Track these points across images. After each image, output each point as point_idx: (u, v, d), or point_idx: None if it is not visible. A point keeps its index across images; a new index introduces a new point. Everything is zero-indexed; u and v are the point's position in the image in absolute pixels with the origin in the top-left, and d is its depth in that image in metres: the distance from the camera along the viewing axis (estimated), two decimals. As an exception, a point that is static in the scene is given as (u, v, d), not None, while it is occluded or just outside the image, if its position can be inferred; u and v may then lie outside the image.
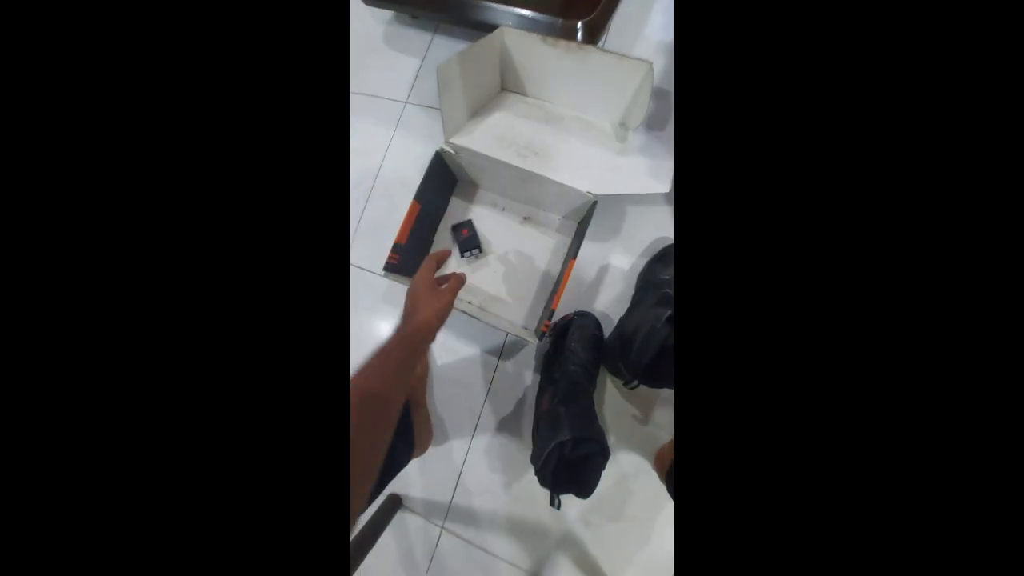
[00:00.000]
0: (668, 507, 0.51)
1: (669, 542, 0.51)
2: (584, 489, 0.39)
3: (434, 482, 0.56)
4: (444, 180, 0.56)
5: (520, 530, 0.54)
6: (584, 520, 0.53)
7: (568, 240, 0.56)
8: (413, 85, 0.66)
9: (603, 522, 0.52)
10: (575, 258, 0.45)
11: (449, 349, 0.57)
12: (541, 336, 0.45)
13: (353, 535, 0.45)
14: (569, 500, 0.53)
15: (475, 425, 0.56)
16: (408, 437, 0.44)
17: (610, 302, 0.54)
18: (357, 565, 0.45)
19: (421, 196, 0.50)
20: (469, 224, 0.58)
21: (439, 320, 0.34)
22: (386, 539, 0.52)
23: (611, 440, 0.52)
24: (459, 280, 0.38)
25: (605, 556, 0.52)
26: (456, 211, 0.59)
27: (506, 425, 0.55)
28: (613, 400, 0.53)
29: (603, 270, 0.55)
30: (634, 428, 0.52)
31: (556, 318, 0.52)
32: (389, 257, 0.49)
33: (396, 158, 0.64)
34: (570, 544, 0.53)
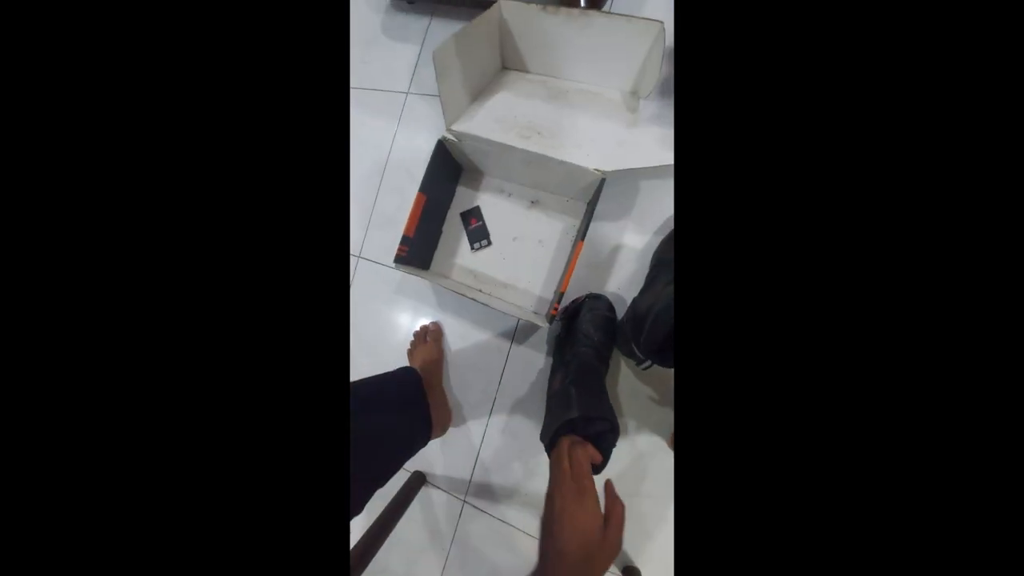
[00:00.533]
0: None
1: None
2: (596, 466, 0.40)
3: (455, 460, 0.59)
4: (448, 169, 0.56)
5: (537, 502, 0.56)
6: (602, 493, 0.54)
7: (577, 222, 0.54)
8: (413, 74, 0.65)
9: (620, 493, 0.53)
10: (583, 239, 0.44)
11: (463, 335, 0.59)
12: (551, 320, 0.45)
13: (380, 511, 0.49)
14: None
15: (491, 407, 0.58)
16: (426, 419, 0.46)
17: (623, 283, 0.53)
18: (387, 534, 0.49)
19: (426, 187, 0.50)
20: (477, 212, 0.58)
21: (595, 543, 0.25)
22: (413, 511, 0.57)
23: (627, 421, 0.53)
24: (587, 455, 0.31)
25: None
26: (463, 199, 0.59)
27: (520, 406, 0.57)
28: (628, 382, 0.53)
29: (615, 250, 0.53)
30: (650, 408, 0.52)
31: (566, 301, 0.51)
32: (399, 250, 0.50)
33: (402, 150, 0.65)
34: None
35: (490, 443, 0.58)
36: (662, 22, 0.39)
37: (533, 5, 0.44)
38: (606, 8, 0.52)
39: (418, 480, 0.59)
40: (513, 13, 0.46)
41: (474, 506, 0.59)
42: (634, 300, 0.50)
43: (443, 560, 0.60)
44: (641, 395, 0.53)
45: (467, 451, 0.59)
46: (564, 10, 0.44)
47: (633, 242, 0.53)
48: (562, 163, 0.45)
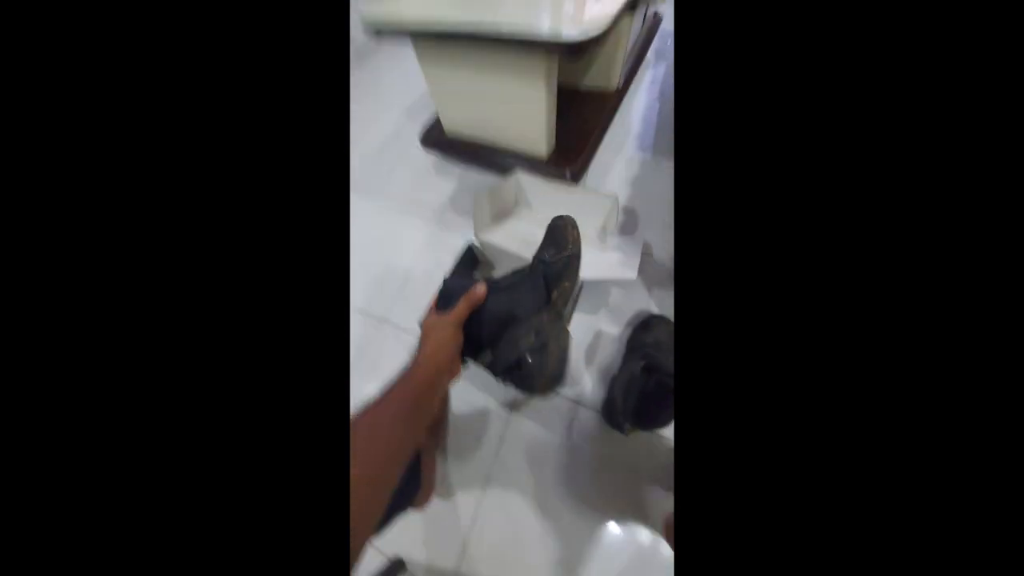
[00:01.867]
0: None
1: None
2: (658, 421, 0.38)
3: (439, 542, 0.53)
4: (470, 265, 0.74)
5: None
6: None
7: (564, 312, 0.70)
8: (451, 200, 0.90)
9: None
10: (567, 324, 0.59)
11: (454, 402, 0.62)
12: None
13: None
14: (579, 560, 0.51)
15: (484, 482, 0.56)
16: (417, 479, 0.39)
17: (604, 363, 0.64)
18: None
19: (451, 275, 0.67)
20: (467, 257, 0.73)
21: (449, 348, 0.30)
22: None
23: (623, 502, 0.52)
24: (467, 298, 0.33)
25: None
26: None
27: (517, 482, 0.55)
28: (618, 454, 0.55)
29: (597, 336, 0.67)
30: (645, 488, 0.53)
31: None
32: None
33: (433, 252, 0.82)
34: None
35: (481, 531, 0.54)
36: (616, 195, 0.67)
37: (538, 176, 0.73)
38: (581, 183, 0.84)
39: (396, 569, 0.52)
40: (526, 179, 0.75)
41: None
42: (612, 379, 0.60)
43: None
44: (636, 468, 0.53)
45: (453, 532, 0.54)
46: (555, 182, 0.71)
47: (609, 330, 0.67)
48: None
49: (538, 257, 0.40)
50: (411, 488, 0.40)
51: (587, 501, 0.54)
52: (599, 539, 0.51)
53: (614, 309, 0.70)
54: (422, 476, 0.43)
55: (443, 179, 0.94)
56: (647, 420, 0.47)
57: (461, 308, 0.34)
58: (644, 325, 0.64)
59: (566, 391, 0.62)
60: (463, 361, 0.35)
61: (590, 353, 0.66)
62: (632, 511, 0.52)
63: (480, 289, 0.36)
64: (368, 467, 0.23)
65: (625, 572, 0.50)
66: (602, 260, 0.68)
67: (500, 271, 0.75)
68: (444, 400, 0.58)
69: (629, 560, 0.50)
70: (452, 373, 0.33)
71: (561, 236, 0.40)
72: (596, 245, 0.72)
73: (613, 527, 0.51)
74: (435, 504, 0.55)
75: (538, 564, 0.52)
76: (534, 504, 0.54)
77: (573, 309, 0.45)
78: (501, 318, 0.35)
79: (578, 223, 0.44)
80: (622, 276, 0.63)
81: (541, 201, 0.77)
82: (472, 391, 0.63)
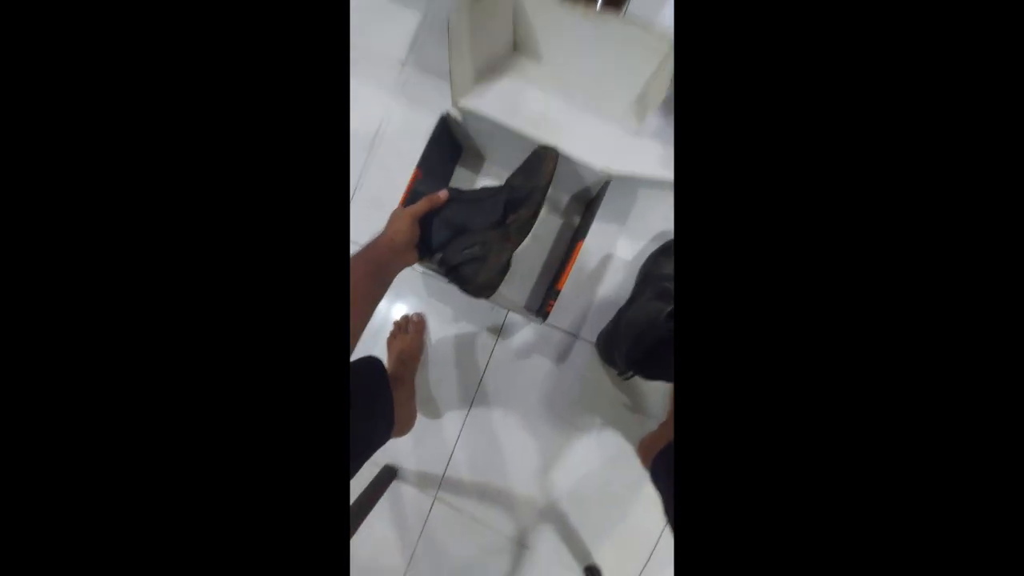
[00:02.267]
0: (647, 489, 0.54)
1: (646, 520, 0.55)
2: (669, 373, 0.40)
3: (427, 456, 0.57)
4: (448, 149, 0.53)
5: (509, 502, 0.56)
6: (570, 496, 0.55)
7: (575, 220, 0.54)
8: (413, 44, 0.60)
9: (587, 498, 0.55)
10: (583, 239, 0.44)
11: (445, 327, 0.57)
12: (545, 317, 0.44)
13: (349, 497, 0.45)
14: (557, 472, 0.55)
15: (470, 403, 0.56)
16: (386, 417, 0.42)
17: (610, 292, 0.54)
18: (353, 533, 0.45)
19: (424, 164, 0.47)
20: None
21: (405, 235, 0.36)
22: (381, 506, 0.54)
23: (600, 425, 0.54)
24: (430, 199, 0.38)
25: (585, 528, 0.56)
26: (459, 183, 0.57)
27: (502, 407, 0.56)
28: (605, 388, 0.54)
29: (606, 259, 0.54)
30: (624, 416, 0.54)
31: (565, 303, 0.51)
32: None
33: (395, 127, 0.60)
34: (555, 516, 0.56)
35: (466, 443, 0.56)
36: (671, 37, 0.40)
37: (552, -6, 0.43)
38: (622, 12, 0.53)
39: (388, 475, 0.56)
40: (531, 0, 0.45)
41: (444, 502, 0.57)
42: (620, 310, 0.51)
43: (410, 553, 0.58)
44: (617, 402, 0.54)
45: (440, 449, 0.57)
46: (582, 5, 0.43)
47: (623, 252, 0.54)
48: (571, 159, 0.44)
49: (508, 180, 0.42)
50: (382, 425, 0.41)
51: (567, 422, 0.55)
52: (573, 450, 0.55)
53: (636, 221, 0.54)
54: (395, 408, 0.43)
55: (396, 7, 0.60)
56: (655, 370, 0.40)
57: (421, 204, 0.38)
58: (665, 251, 0.50)
59: (560, 321, 0.55)
60: (419, 256, 0.39)
61: (596, 275, 0.54)
62: (610, 431, 0.54)
63: (442, 194, 0.39)
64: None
65: (595, 475, 0.54)
66: (634, 148, 0.47)
67: (491, 154, 0.55)
68: (418, 330, 0.54)
69: (600, 465, 0.54)
70: (405, 258, 0.38)
71: (536, 166, 0.42)
72: (630, 124, 0.49)
73: (587, 439, 0.54)
74: (422, 422, 0.56)
75: (517, 470, 0.56)
76: (516, 423, 0.55)
77: (526, 233, 0.43)
78: (456, 227, 0.39)
79: (610, 81, 0.41)
80: (656, 175, 0.45)
81: (553, 44, 0.50)
82: (456, 322, 0.57)
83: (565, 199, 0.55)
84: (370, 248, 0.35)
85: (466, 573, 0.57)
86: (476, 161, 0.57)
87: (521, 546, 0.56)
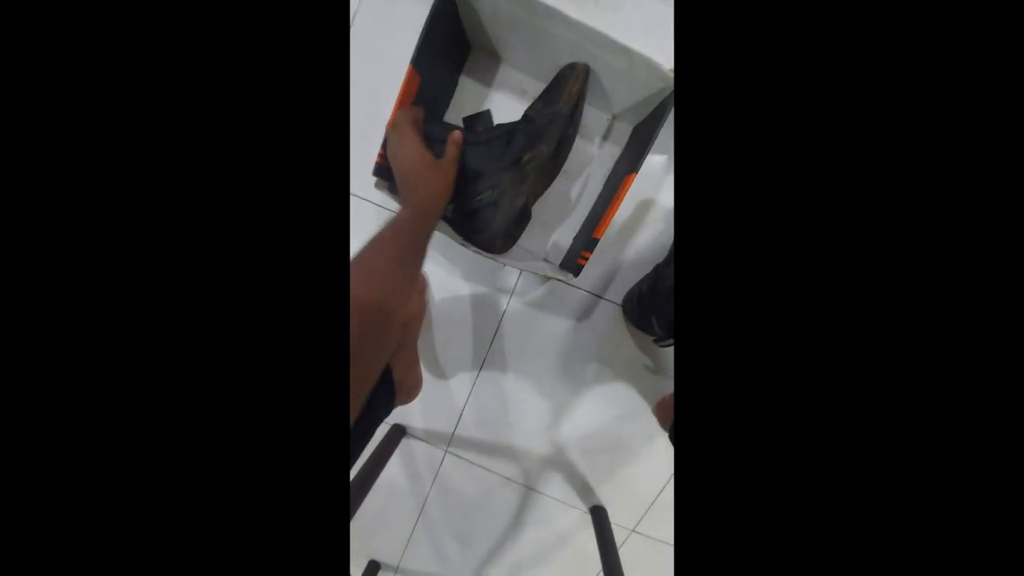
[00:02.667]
0: (658, 443, 0.53)
1: (653, 466, 0.54)
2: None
3: (436, 416, 0.55)
4: (452, 45, 0.39)
5: (518, 453, 0.56)
6: (578, 445, 0.55)
7: (616, 151, 0.43)
8: None
9: (596, 448, 0.55)
10: (636, 172, 0.33)
11: (450, 286, 0.49)
12: (578, 271, 0.36)
13: (354, 466, 0.43)
14: (567, 425, 0.53)
15: (480, 367, 0.52)
16: (387, 388, 0.39)
17: (646, 244, 0.45)
18: (367, 491, 0.45)
19: (419, 62, 0.34)
20: (487, 118, 0.43)
21: (445, 197, 0.31)
22: (392, 461, 0.54)
23: (614, 382, 0.51)
24: (456, 144, 0.32)
25: (593, 473, 0.56)
26: (467, 97, 0.43)
27: (514, 366, 0.51)
28: (625, 350, 0.49)
29: (644, 205, 0.44)
30: (643, 376, 0.51)
31: (601, 257, 0.42)
32: (378, 157, 0.35)
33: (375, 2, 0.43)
34: (563, 463, 0.56)
35: (475, 403, 0.54)
36: None
37: None
38: None
39: (397, 433, 0.54)
40: None
41: (455, 455, 0.57)
42: (658, 267, 0.42)
43: (421, 501, 0.60)
44: (637, 363, 0.50)
45: (449, 410, 0.55)
46: None
47: (665, 196, 0.43)
48: (627, 51, 0.31)
49: (526, 112, 0.36)
50: (382, 398, 0.38)
51: (581, 381, 0.52)
52: (584, 406, 0.53)
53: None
54: (395, 377, 0.37)
55: None
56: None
57: (452, 153, 0.33)
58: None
59: (581, 280, 0.46)
60: None
61: (630, 225, 0.44)
62: (624, 389, 0.51)
63: (456, 135, 0.34)
64: (367, 298, 0.23)
65: (606, 428, 0.53)
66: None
67: (510, 53, 0.40)
68: (420, 290, 0.47)
69: (611, 420, 0.52)
70: (437, 220, 0.32)
71: (558, 88, 0.35)
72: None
73: (600, 396, 0.52)
74: (429, 383, 0.52)
75: (528, 427, 0.54)
76: (528, 386, 0.52)
77: (551, 174, 0.37)
78: (470, 173, 0.34)
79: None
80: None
81: None
82: (465, 280, 0.49)
83: (606, 120, 0.42)
84: (409, 221, 0.28)
85: (474, 512, 0.60)
86: (489, 65, 0.42)
87: (529, 488, 0.58)
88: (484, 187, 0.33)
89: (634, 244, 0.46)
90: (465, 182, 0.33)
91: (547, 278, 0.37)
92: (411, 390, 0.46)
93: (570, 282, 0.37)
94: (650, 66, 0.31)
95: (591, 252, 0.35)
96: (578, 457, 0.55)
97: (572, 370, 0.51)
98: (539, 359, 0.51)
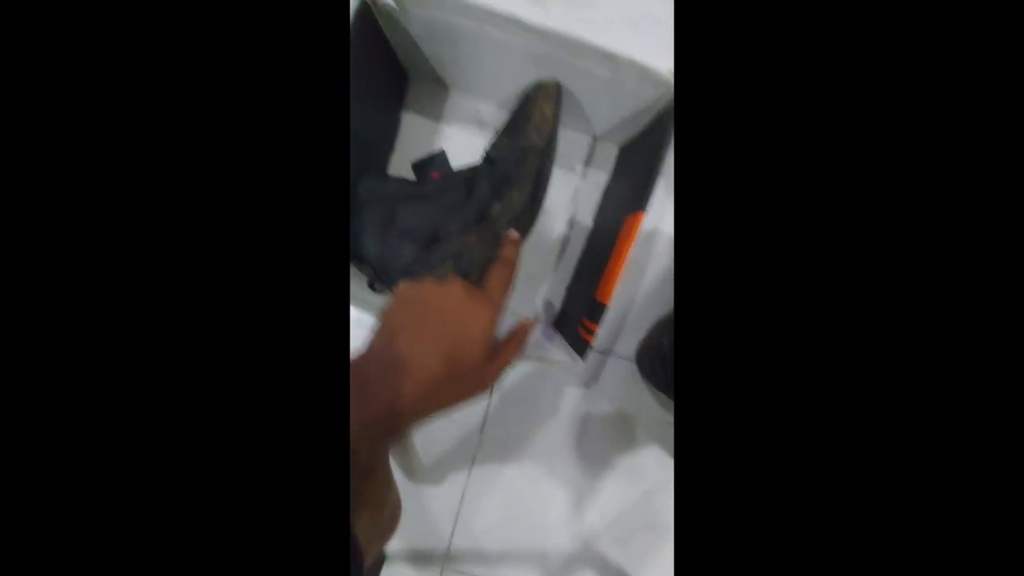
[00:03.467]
0: None
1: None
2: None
3: (424, 534, 0.44)
4: (383, 73, 0.30)
5: (537, 556, 0.45)
6: (609, 534, 0.45)
7: (603, 178, 0.34)
8: None
9: (630, 530, 0.45)
10: (644, 210, 0.24)
11: None
12: (583, 350, 0.26)
13: None
14: (593, 510, 0.45)
15: (471, 463, 0.42)
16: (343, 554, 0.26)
17: (655, 281, 0.37)
18: None
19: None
20: (441, 160, 0.34)
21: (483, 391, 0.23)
22: None
23: (644, 455, 0.43)
24: (524, 332, 0.24)
25: (629, 560, 0.46)
26: (414, 137, 0.35)
27: (513, 453, 0.42)
28: (647, 412, 0.41)
29: (650, 236, 0.36)
30: (671, 439, 0.42)
31: (615, 325, 0.33)
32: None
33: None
34: (595, 559, 0.46)
35: (472, 507, 0.43)
36: None
37: None
38: None
39: (377, 565, 0.41)
40: None
41: (457, 571, 0.46)
42: (660, 322, 0.35)
43: None
44: (662, 425, 0.42)
45: (440, 521, 0.44)
46: None
47: (670, 225, 0.36)
48: (610, 56, 0.23)
49: (487, 151, 0.29)
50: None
51: (601, 460, 0.43)
52: (609, 488, 0.44)
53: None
54: (357, 527, 0.26)
55: None
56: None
57: (514, 346, 0.24)
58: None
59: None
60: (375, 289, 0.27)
61: (636, 262, 0.37)
62: (652, 456, 0.43)
63: (515, 235, 0.26)
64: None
65: (637, 506, 0.44)
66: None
67: (458, 76, 0.32)
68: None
69: (642, 496, 0.44)
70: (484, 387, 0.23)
71: (524, 115, 0.28)
72: None
73: (625, 472, 0.44)
74: (408, 495, 0.41)
75: (542, 523, 0.45)
76: (534, 472, 0.43)
77: (527, 223, 0.27)
78: (419, 235, 0.26)
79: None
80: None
81: None
82: None
83: (587, 141, 0.34)
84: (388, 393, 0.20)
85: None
86: (436, 95, 0.34)
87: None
88: (443, 254, 0.24)
89: (641, 285, 0.38)
90: (418, 249, 0.25)
91: (544, 360, 0.27)
92: (392, 519, 0.33)
93: (575, 364, 0.27)
94: (641, 71, 0.24)
95: (597, 323, 0.25)
96: (609, 547, 0.45)
97: (587, 447, 0.42)
98: (544, 440, 0.42)
